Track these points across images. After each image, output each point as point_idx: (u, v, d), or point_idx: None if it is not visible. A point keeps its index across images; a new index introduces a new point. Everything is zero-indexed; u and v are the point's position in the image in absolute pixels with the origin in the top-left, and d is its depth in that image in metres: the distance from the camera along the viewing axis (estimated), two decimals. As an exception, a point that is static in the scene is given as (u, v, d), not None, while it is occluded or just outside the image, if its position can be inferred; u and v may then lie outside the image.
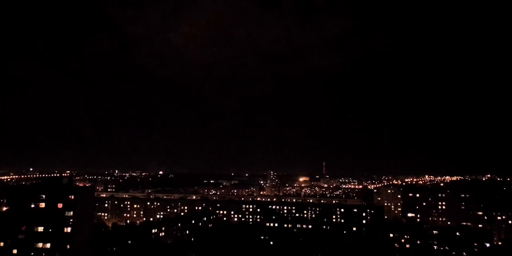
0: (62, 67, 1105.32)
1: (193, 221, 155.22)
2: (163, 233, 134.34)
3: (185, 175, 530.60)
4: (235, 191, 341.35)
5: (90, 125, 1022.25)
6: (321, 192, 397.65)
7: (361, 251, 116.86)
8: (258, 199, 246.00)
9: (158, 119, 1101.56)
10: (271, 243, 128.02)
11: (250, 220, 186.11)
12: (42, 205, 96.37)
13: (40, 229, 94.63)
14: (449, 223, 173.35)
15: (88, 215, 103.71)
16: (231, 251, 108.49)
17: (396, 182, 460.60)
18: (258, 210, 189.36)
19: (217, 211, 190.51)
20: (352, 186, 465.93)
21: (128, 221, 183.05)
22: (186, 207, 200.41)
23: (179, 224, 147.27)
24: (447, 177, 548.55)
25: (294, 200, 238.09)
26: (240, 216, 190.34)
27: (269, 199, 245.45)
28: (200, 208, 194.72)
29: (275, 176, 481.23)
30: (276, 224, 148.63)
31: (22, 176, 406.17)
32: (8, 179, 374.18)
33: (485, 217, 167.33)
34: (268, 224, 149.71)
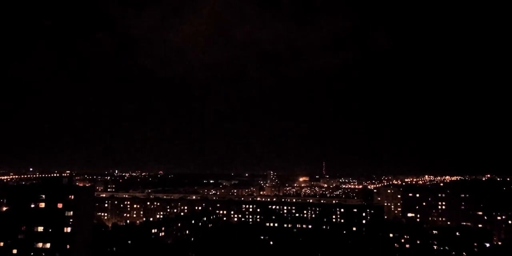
0: (62, 67, 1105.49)
1: (193, 221, 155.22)
2: (163, 233, 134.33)
3: (185, 175, 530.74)
4: (235, 191, 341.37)
5: (90, 125, 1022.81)
6: (321, 192, 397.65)
7: (361, 251, 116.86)
8: (258, 199, 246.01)
9: (158, 119, 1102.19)
10: (271, 243, 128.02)
11: (250, 220, 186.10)
12: (42, 205, 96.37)
13: (40, 229, 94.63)
14: (449, 223, 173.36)
15: (88, 215, 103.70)
16: (231, 251, 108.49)
17: (396, 182, 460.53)
18: (258, 210, 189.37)
19: (217, 211, 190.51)
20: (352, 186, 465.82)
21: (128, 221, 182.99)
22: (186, 207, 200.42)
23: (179, 224, 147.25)
24: (447, 177, 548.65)
25: (294, 200, 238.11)
26: (240, 216, 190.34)
27: (269, 199, 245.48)
28: (200, 208, 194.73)
29: (275, 176, 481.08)
30: (276, 224, 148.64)
31: (22, 176, 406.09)
32: (8, 179, 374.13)
33: (485, 217, 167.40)
34: (268, 224, 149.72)
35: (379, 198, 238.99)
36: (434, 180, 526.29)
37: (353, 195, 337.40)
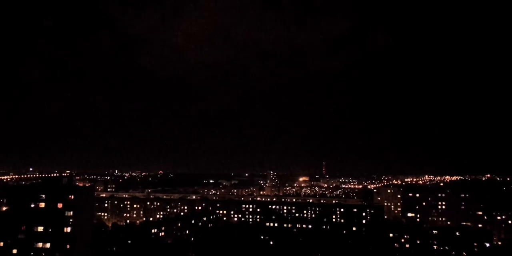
0: (62, 67, 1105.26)
1: (193, 221, 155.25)
2: (163, 233, 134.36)
3: (185, 175, 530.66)
4: (235, 191, 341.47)
5: (90, 125, 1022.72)
6: (321, 192, 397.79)
7: (361, 251, 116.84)
8: (258, 199, 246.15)
9: (158, 119, 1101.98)
10: (271, 243, 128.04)
11: (250, 220, 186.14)
12: (42, 205, 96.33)
13: (40, 229, 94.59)
14: (449, 223, 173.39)
15: (88, 215, 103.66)
16: (231, 251, 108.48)
17: (396, 182, 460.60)
18: (258, 210, 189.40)
19: (217, 211, 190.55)
20: (352, 186, 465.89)
21: (128, 221, 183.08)
22: (186, 207, 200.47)
23: (179, 224, 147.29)
24: (447, 177, 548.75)
25: (294, 200, 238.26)
26: (240, 216, 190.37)
27: (269, 199, 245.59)
28: (200, 208, 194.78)
29: (275, 176, 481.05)
30: (276, 224, 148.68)
31: (22, 176, 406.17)
32: (8, 179, 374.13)
33: (485, 217, 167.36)
34: (268, 224, 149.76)
35: (379, 198, 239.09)
36: (434, 180, 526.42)
37: (353, 195, 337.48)
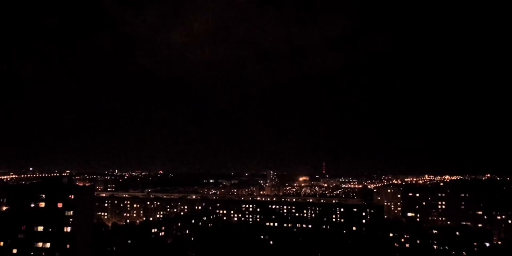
0: (62, 67, 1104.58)
1: (193, 221, 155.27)
2: (163, 233, 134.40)
3: (185, 174, 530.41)
4: (235, 190, 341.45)
5: (90, 124, 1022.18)
6: (321, 191, 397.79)
7: (361, 250, 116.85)
8: (258, 198, 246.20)
9: (158, 118, 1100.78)
10: (271, 242, 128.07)
11: (250, 219, 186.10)
12: (42, 204, 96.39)
13: (40, 228, 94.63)
14: (449, 222, 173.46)
15: (88, 215, 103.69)
16: (231, 251, 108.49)
17: (396, 182, 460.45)
18: (258, 209, 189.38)
19: (217, 211, 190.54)
20: (352, 186, 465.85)
21: (128, 221, 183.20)
22: (186, 207, 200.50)
23: (179, 224, 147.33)
24: (446, 177, 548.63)
25: (294, 200, 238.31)
26: (240, 215, 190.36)
27: (269, 199, 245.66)
28: (200, 207, 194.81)
29: (275, 176, 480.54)
30: (276, 224, 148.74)
31: (22, 176, 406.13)
32: (8, 179, 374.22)
33: (485, 217, 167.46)
34: (268, 224, 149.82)
35: (379, 198, 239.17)
36: (434, 180, 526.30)
37: (353, 195, 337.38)
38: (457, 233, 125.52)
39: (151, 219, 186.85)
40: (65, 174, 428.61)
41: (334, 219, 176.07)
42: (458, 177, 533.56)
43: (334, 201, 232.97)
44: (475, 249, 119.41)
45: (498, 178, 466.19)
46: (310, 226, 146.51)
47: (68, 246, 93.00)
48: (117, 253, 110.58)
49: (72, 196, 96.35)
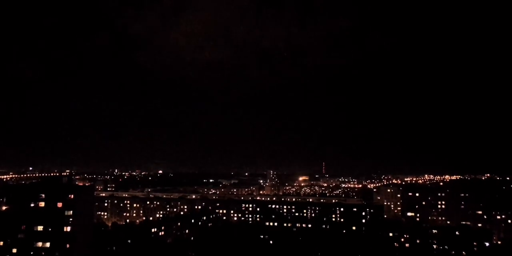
0: (61, 67, 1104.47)
1: (192, 221, 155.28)
2: (162, 232, 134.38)
3: (185, 174, 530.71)
4: (235, 190, 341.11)
5: (90, 125, 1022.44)
6: (320, 191, 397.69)
7: (360, 250, 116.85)
8: (258, 198, 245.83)
9: (158, 118, 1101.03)
10: (271, 242, 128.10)
11: (250, 219, 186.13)
12: (42, 204, 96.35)
13: (40, 228, 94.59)
14: (448, 222, 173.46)
15: (88, 215, 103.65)
16: (230, 251, 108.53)
17: (395, 182, 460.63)
18: (258, 209, 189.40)
19: (217, 211, 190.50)
20: (352, 186, 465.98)
21: (127, 220, 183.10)
22: (185, 207, 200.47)
23: (179, 224, 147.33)
24: (446, 177, 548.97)
25: (293, 200, 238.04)
26: (239, 215, 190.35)
27: (268, 199, 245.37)
28: (199, 207, 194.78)
29: (274, 176, 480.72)
30: (275, 224, 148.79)
31: (22, 176, 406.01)
32: (8, 178, 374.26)
33: (485, 217, 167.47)
34: (267, 224, 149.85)
35: (378, 198, 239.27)
36: (433, 180, 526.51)
37: (353, 195, 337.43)
38: (457, 232, 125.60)
39: (151, 218, 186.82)
40: (65, 173, 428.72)
41: (334, 219, 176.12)
42: (458, 177, 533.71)
43: (334, 201, 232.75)
44: (475, 248, 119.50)
45: (498, 178, 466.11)
46: (310, 225, 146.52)
47: (68, 245, 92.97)
48: (117, 253, 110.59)
49: (72, 196, 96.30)
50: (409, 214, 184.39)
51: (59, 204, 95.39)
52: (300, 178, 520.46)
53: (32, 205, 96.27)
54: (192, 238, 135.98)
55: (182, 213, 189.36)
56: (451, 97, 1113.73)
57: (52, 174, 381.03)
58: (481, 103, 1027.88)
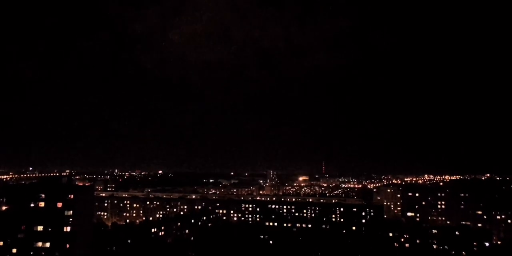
0: (62, 67, 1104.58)
1: (192, 221, 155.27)
2: (162, 233, 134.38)
3: (185, 174, 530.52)
4: (235, 190, 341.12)
5: (90, 124, 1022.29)
6: (320, 191, 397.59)
7: (360, 250, 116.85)
8: (258, 198, 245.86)
9: (158, 118, 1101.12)
10: (271, 242, 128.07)
11: (250, 219, 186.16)
12: (42, 204, 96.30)
13: (40, 228, 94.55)
14: (448, 222, 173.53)
15: (88, 215, 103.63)
16: (230, 251, 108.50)
17: (395, 182, 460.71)
18: (258, 209, 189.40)
19: (217, 211, 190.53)
20: (352, 186, 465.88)
21: (127, 221, 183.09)
22: (185, 207, 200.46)
23: (179, 224, 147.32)
24: (446, 177, 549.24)
25: (293, 200, 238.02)
26: (239, 215, 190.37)
27: (268, 199, 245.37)
28: (199, 207, 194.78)
29: (274, 176, 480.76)
30: (275, 224, 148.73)
31: (22, 176, 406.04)
32: (8, 178, 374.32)
33: (485, 217, 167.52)
34: (267, 224, 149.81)
35: (378, 198, 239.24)
36: (433, 180, 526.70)
37: (352, 195, 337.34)
38: (456, 232, 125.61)
39: (151, 218, 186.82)
40: (64, 173, 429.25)
41: (333, 219, 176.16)
42: (458, 177, 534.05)
43: (333, 201, 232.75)
44: (475, 248, 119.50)
45: (498, 178, 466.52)
46: (309, 225, 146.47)
47: (67, 246, 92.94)
48: (117, 253, 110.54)
49: (72, 196, 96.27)
50: (409, 214, 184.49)
51: (59, 204, 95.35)
52: (300, 178, 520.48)
53: (32, 205, 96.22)
54: (192, 238, 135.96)
55: (182, 213, 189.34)
56: (451, 97, 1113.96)
57: (52, 174, 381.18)
58: (481, 103, 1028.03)
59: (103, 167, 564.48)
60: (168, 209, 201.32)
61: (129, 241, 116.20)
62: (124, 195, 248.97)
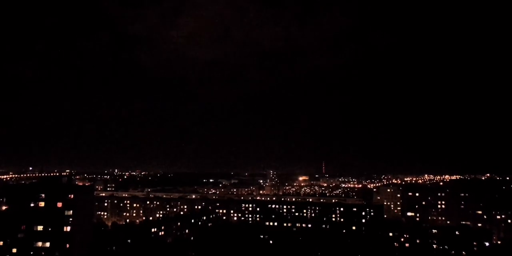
0: (62, 67, 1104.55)
1: (192, 220, 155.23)
2: (162, 232, 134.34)
3: (185, 174, 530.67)
4: (235, 190, 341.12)
5: (89, 124, 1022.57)
6: (320, 191, 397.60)
7: (360, 250, 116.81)
8: (258, 198, 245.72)
9: (158, 118, 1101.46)
10: (271, 242, 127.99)
11: (250, 219, 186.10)
12: (42, 204, 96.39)
13: (40, 228, 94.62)
14: (448, 222, 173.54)
15: (88, 214, 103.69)
16: (230, 250, 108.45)
17: (395, 181, 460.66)
18: (258, 209, 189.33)
19: (217, 210, 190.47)
20: (352, 185, 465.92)
21: (127, 220, 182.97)
22: (185, 206, 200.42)
23: (179, 223, 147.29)
24: (446, 176, 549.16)
25: (293, 199, 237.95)
26: (239, 215, 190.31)
27: (268, 198, 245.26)
28: (199, 207, 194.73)
29: (274, 175, 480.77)
30: (275, 223, 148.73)
31: (22, 175, 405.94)
32: (8, 178, 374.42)
33: (485, 216, 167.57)
34: (267, 223, 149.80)
35: (378, 197, 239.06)
36: (433, 179, 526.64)
37: (352, 194, 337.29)
38: (456, 232, 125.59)
39: (151, 218, 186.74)
40: (64, 173, 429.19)
41: (334, 219, 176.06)
42: (458, 177, 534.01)
43: (333, 200, 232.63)
44: (475, 248, 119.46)
45: (498, 178, 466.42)
46: (309, 225, 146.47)
47: (67, 245, 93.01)
48: (117, 253, 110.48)
49: (72, 196, 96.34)
50: (409, 214, 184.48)
51: (59, 204, 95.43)
52: (300, 178, 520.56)
53: (32, 205, 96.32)
54: (192, 238, 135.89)
55: (182, 213, 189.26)
56: (451, 97, 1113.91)
57: (52, 174, 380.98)
58: (481, 103, 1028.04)
59: (103, 167, 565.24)
60: (168, 209, 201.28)
61: (129, 241, 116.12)
62: (124, 195, 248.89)
